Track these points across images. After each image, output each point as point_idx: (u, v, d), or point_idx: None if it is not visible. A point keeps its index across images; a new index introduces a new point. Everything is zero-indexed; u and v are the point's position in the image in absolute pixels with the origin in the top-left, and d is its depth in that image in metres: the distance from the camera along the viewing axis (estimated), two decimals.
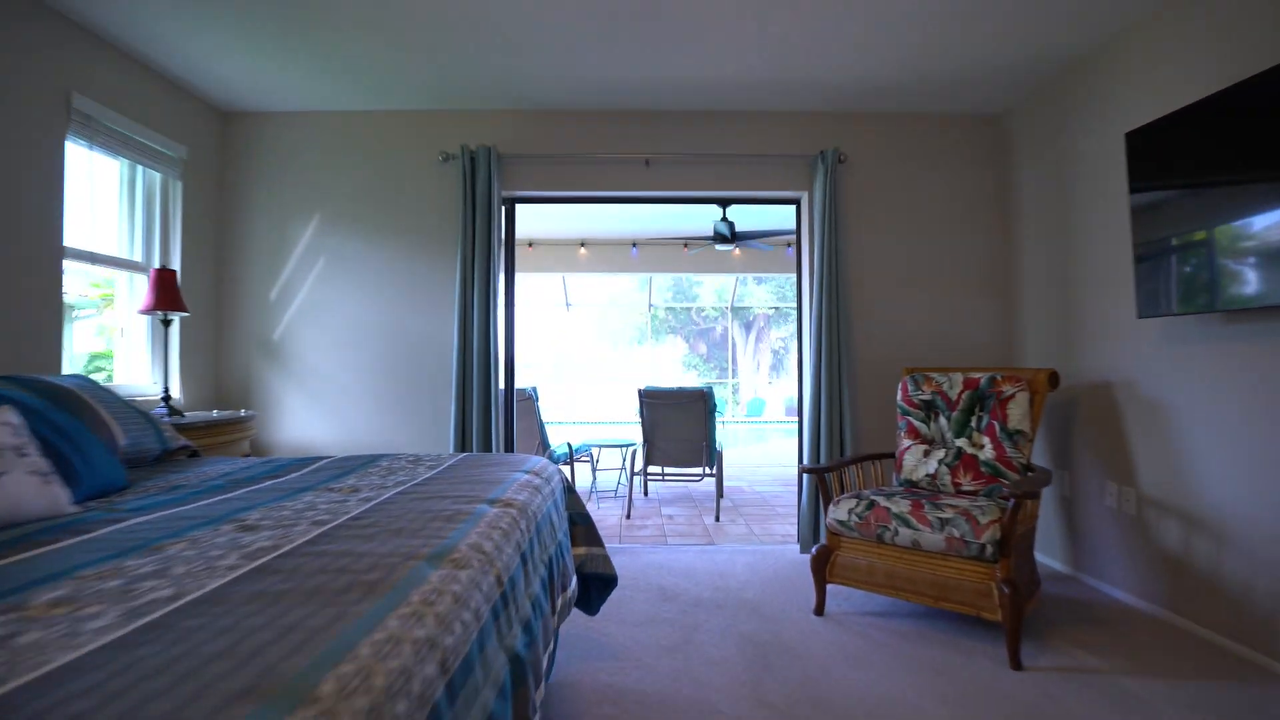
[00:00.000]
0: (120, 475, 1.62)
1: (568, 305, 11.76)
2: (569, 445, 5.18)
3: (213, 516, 1.22)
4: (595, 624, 2.49)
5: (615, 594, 2.67)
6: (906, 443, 2.98)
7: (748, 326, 15.70)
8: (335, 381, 3.62)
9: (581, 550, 1.99)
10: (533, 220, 6.79)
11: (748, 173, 3.65)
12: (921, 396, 3.00)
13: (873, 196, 3.65)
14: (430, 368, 3.60)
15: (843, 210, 3.59)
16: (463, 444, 3.45)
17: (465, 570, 0.91)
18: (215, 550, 0.98)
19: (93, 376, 3.25)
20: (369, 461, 1.93)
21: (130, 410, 1.99)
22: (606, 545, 3.78)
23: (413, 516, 1.18)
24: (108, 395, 1.97)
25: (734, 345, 15.42)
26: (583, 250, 7.79)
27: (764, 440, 10.67)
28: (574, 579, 1.73)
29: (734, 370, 15.06)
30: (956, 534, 2.29)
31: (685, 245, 7.69)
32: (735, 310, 14.69)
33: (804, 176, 3.64)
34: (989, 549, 2.24)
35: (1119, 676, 2.09)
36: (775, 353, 16.00)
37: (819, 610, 2.63)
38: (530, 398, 5.02)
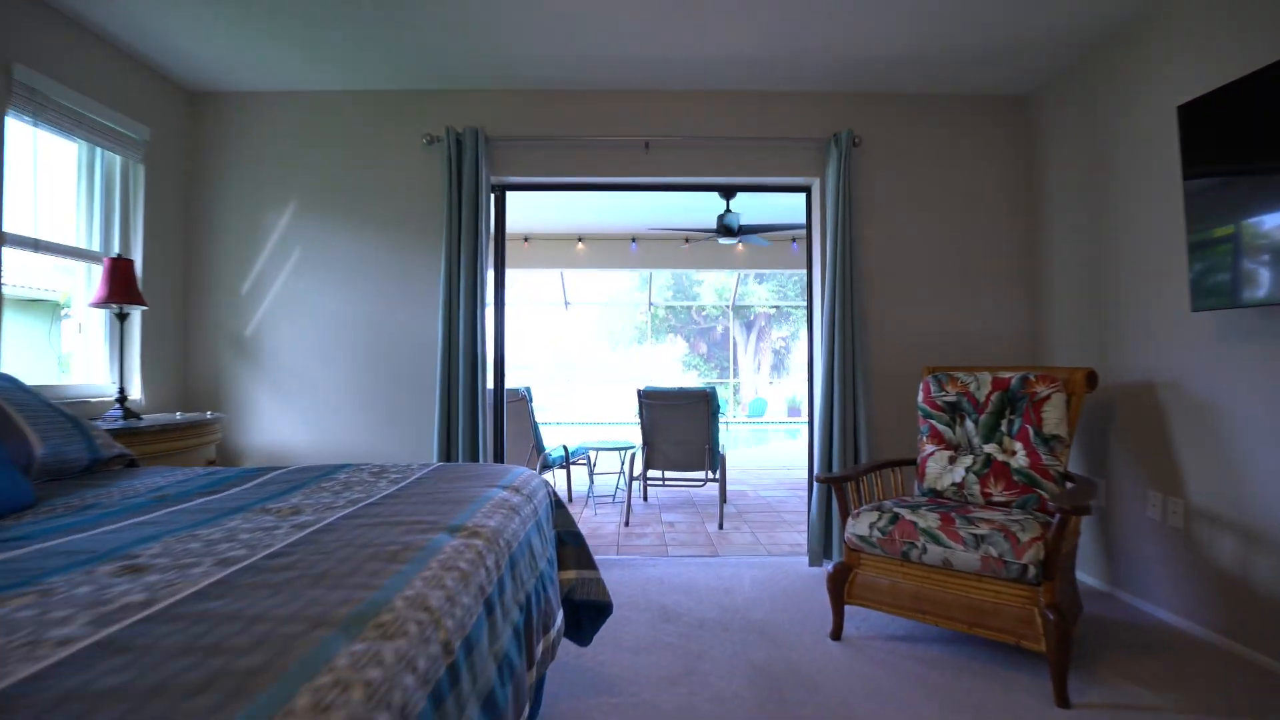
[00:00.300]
0: (23, 491, 1.37)
1: (566, 304, 11.49)
2: (565, 448, 4.93)
3: (99, 551, 0.97)
4: (588, 651, 2.23)
5: (612, 612, 2.42)
6: (929, 448, 2.72)
7: (749, 326, 15.46)
8: (312, 381, 3.37)
9: (571, 574, 1.73)
10: (528, 213, 6.54)
11: (755, 157, 3.40)
12: (945, 398, 2.75)
13: (890, 183, 3.40)
14: (414, 367, 3.35)
15: (857, 197, 3.34)
16: (448, 448, 3.20)
17: (395, 641, 0.66)
18: (62, 610, 0.73)
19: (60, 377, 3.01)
20: (326, 474, 1.68)
21: (54, 414, 1.74)
22: (603, 556, 3.54)
23: (348, 553, 0.93)
24: (28, 398, 1.72)
25: (735, 345, 15.17)
26: (580, 245, 7.53)
27: (765, 442, 10.43)
28: (559, 615, 1.47)
29: (735, 370, 14.82)
30: (994, 553, 2.04)
31: (686, 240, 7.44)
32: (736, 309, 14.44)
33: (816, 161, 3.39)
34: (1031, 570, 1.98)
35: (1180, 715, 1.84)
36: (776, 352, 15.76)
37: (836, 634, 2.38)
38: (524, 398, 4.78)
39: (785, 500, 5.05)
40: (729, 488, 5.20)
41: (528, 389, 4.87)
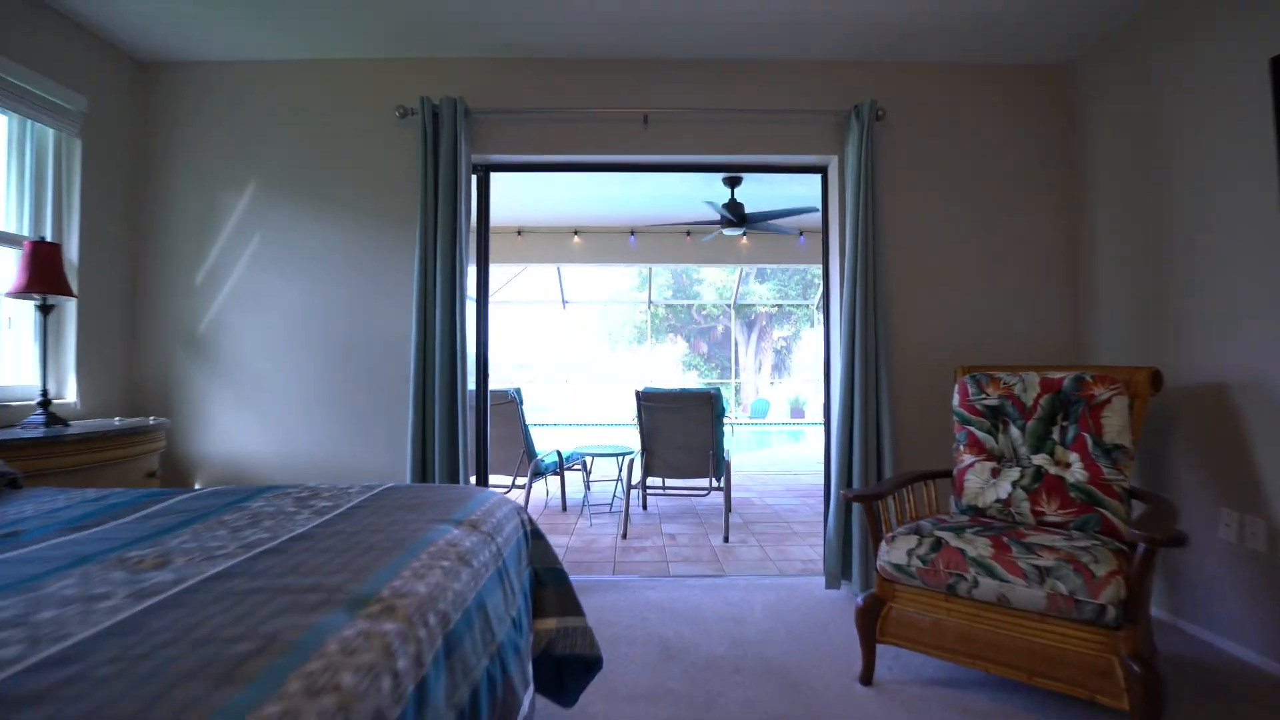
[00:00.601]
0: None
1: (564, 302, 11.15)
2: (558, 453, 4.60)
3: None
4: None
5: (605, 647, 2.08)
6: (968, 459, 2.38)
7: (750, 325, 15.13)
8: (273, 382, 3.02)
9: (550, 623, 1.39)
10: (520, 204, 6.20)
11: (766, 133, 3.05)
12: (986, 402, 2.40)
13: (916, 161, 3.05)
14: (388, 367, 3.00)
15: (880, 177, 2.99)
16: (423, 457, 2.85)
17: None
18: None
19: None
20: (238, 500, 1.33)
21: None
22: (598, 576, 3.17)
23: (169, 656, 0.58)
24: None
25: (736, 344, 14.84)
26: (577, 239, 7.19)
27: (769, 445, 10.09)
28: (527, 695, 1.12)
29: (736, 370, 14.49)
30: (1064, 590, 1.69)
31: (688, 233, 7.10)
32: (737, 308, 14.10)
33: (833, 138, 3.04)
34: (1111, 611, 1.64)
35: None
36: (778, 352, 15.45)
37: (866, 678, 2.03)
38: (514, 400, 4.44)
39: (794, 509, 4.71)
40: (733, 494, 4.86)
41: (518, 390, 4.53)
